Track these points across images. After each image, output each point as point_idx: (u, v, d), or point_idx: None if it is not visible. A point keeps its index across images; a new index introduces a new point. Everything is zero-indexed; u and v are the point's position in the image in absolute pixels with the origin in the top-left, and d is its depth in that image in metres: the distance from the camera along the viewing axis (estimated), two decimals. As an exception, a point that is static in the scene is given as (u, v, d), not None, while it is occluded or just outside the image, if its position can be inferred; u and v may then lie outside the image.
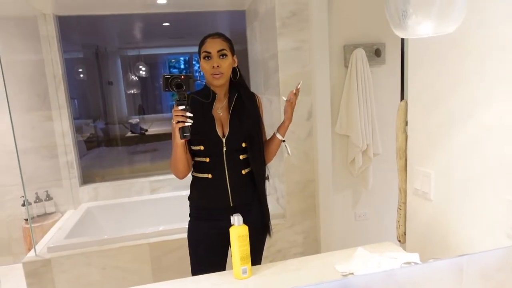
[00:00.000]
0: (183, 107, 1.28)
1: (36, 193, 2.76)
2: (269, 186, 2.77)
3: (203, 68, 1.43)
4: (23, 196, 2.50)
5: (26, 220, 2.74)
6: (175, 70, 4.49)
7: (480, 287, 0.88)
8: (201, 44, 1.44)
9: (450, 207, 1.16)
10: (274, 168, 2.61)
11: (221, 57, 1.41)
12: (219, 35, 1.44)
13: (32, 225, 2.51)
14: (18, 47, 2.64)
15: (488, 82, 0.98)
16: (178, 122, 1.28)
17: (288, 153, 1.54)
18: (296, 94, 1.46)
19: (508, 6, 0.91)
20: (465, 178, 1.09)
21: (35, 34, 2.61)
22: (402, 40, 1.34)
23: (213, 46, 1.41)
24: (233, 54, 1.47)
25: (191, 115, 1.28)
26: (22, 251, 2.74)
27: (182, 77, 1.27)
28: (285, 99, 1.48)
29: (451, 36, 0.84)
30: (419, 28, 0.80)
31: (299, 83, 1.45)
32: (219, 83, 1.43)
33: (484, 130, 1.01)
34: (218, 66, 1.40)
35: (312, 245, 2.48)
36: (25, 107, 2.67)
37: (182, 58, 4.54)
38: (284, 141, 1.54)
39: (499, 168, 0.97)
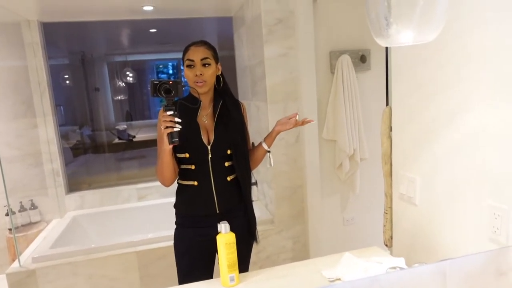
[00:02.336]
0: (171, 112, 1.27)
1: (21, 202, 2.71)
2: (257, 192, 2.77)
3: (187, 76, 1.43)
4: (6, 206, 2.45)
5: (10, 230, 2.69)
6: (163, 76, 4.47)
7: (463, 291, 0.89)
8: (184, 52, 1.44)
9: (434, 212, 1.18)
10: (263, 174, 2.61)
11: (204, 65, 1.41)
12: (203, 43, 1.45)
13: (16, 235, 2.46)
14: (2, 53, 2.59)
15: (468, 89, 1.01)
16: (167, 127, 1.27)
17: (271, 165, 1.55)
18: (303, 123, 1.49)
19: (483, 17, 0.94)
20: (449, 183, 1.11)
21: (19, 41, 2.57)
22: (387, 46, 1.36)
23: (196, 54, 1.41)
24: (217, 62, 1.47)
25: (179, 120, 1.28)
26: (6, 262, 2.67)
27: (171, 82, 1.27)
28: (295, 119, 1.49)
29: (432, 44, 0.86)
30: (400, 37, 0.82)
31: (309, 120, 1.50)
32: (202, 91, 1.44)
33: (466, 135, 1.03)
34: (201, 74, 1.40)
35: (301, 250, 2.48)
36: (10, 115, 2.63)
37: (170, 64, 4.53)
38: (269, 151, 1.55)
39: (481, 173, 0.99)
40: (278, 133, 1.52)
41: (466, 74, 1.01)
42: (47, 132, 2.70)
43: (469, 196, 1.03)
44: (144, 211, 2.91)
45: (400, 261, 1.13)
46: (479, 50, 0.97)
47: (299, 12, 2.21)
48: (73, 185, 2.97)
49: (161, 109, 1.31)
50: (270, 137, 1.54)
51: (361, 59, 2.36)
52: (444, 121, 1.10)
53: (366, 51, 2.36)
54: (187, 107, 1.44)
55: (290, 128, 1.50)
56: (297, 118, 1.49)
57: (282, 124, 1.50)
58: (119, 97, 3.98)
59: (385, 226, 1.45)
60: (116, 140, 3.89)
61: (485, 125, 0.97)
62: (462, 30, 1.00)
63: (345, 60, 2.28)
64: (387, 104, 1.40)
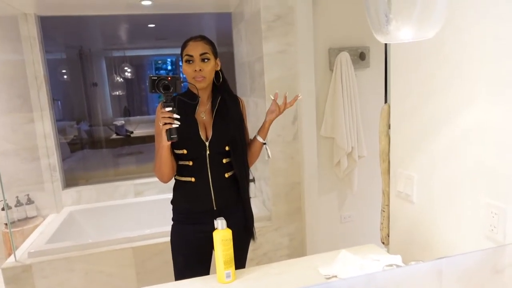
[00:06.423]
0: (170, 108, 1.26)
1: (17, 197, 2.69)
2: (255, 188, 2.76)
3: (185, 71, 1.42)
4: (2, 200, 2.44)
5: (6, 224, 2.67)
6: (162, 72, 4.46)
7: (459, 289, 0.89)
8: (183, 47, 1.43)
9: (432, 209, 1.17)
10: (260, 171, 2.61)
11: (203, 60, 1.40)
12: (202, 38, 1.43)
13: (12, 229, 2.45)
14: (-2, 47, 2.58)
15: (467, 86, 1.00)
16: (165, 124, 1.26)
17: (269, 156, 1.54)
18: (291, 104, 1.47)
19: (484, 14, 0.93)
20: (446, 181, 1.10)
21: (16, 34, 2.55)
22: (386, 44, 1.35)
23: (195, 49, 1.40)
24: (216, 57, 1.46)
25: (178, 116, 1.26)
26: (2, 257, 2.66)
27: (169, 78, 1.25)
28: (272, 97, 1.48)
29: (431, 41, 0.85)
30: (400, 33, 0.81)
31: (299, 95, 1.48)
32: (201, 86, 1.42)
33: (464, 133, 1.02)
34: (200, 69, 1.39)
35: (297, 248, 2.48)
36: (6, 109, 2.61)
37: (169, 59, 4.51)
38: (265, 143, 1.54)
39: (479, 171, 0.99)
40: (270, 123, 1.50)
41: (465, 71, 1.00)
42: (43, 127, 2.68)
43: (467, 194, 1.03)
44: (141, 207, 2.90)
45: (397, 259, 1.13)
46: (478, 47, 0.96)
47: (299, 8, 2.20)
48: (70, 180, 2.96)
49: (159, 105, 1.29)
50: (263, 129, 1.52)
51: (360, 56, 2.35)
52: (442, 118, 1.09)
53: (365, 48, 2.35)
54: (185, 103, 1.43)
55: (280, 113, 1.48)
56: (275, 98, 1.47)
57: (272, 112, 1.49)
58: (117, 93, 3.97)
59: (382, 224, 1.45)
60: (114, 136, 3.89)
61: (483, 123, 0.96)
62: (461, 27, 0.99)
63: (344, 57, 2.27)
64: (385, 101, 1.39)
